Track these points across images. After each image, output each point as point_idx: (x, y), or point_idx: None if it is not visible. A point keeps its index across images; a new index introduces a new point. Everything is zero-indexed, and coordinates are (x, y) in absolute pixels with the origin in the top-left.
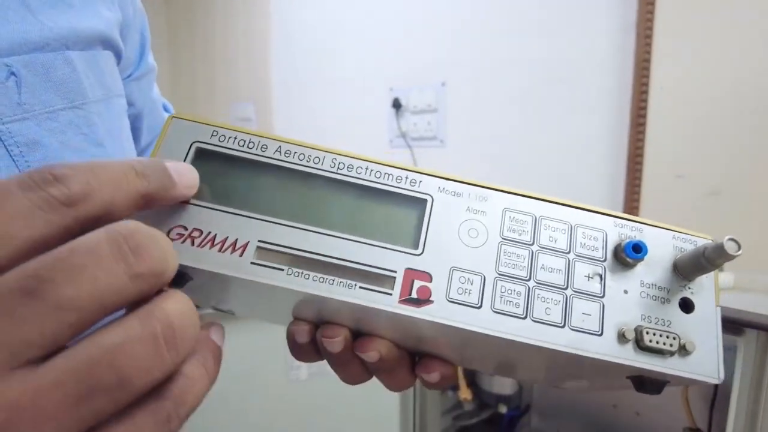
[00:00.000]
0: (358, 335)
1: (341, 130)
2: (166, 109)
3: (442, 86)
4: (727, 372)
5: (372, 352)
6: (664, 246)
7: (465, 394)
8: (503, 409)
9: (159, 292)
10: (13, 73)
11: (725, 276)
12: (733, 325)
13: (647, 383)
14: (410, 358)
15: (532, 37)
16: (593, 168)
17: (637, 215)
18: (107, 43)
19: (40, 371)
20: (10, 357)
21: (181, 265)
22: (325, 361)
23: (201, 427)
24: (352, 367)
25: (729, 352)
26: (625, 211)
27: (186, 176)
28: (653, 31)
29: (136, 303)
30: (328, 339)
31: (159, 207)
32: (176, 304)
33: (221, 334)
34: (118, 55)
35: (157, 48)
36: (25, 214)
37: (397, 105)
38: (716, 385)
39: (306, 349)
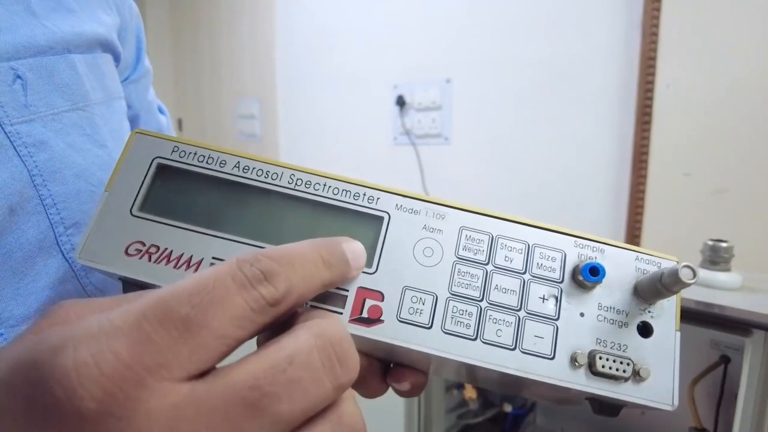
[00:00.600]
0: None
1: (345, 127)
2: (160, 111)
3: (447, 83)
4: (734, 372)
5: None
6: (625, 268)
7: (470, 392)
8: (508, 407)
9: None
10: (19, 77)
11: (733, 276)
12: (740, 325)
13: (604, 406)
14: (381, 367)
15: (537, 34)
16: (598, 166)
17: (642, 214)
18: (107, 46)
19: (199, 384)
20: None
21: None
22: None
23: None
24: None
25: (736, 353)
26: (630, 209)
27: (360, 260)
28: (659, 29)
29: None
30: None
31: None
32: (353, 406)
33: None
34: (117, 58)
35: (162, 44)
36: (240, 316)
37: (401, 102)
38: (723, 385)
39: None
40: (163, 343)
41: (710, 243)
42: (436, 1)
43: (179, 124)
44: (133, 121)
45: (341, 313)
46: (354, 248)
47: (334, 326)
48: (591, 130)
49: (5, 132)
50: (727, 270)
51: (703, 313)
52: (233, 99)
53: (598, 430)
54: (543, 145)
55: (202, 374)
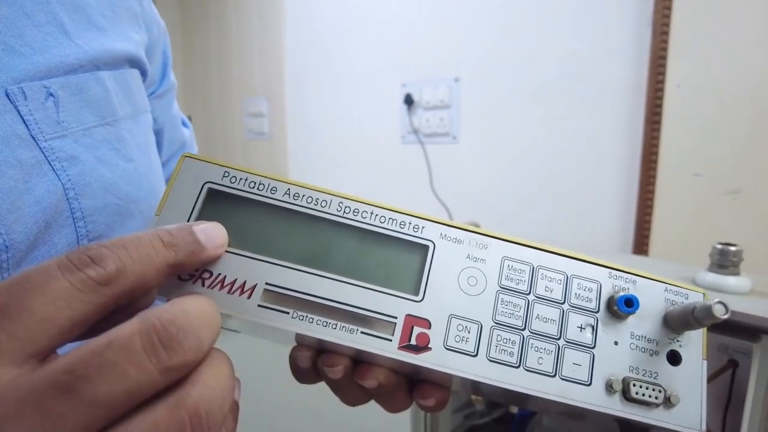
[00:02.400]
0: (357, 362)
1: (353, 126)
2: (184, 124)
3: (456, 82)
4: (742, 376)
5: (371, 380)
6: (655, 298)
7: None
8: (514, 409)
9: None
10: (51, 94)
11: (741, 281)
12: (748, 330)
13: (633, 428)
14: (407, 383)
15: (546, 33)
16: (607, 166)
17: (651, 214)
18: (134, 63)
19: None
20: None
21: None
22: None
23: None
24: (351, 392)
25: (744, 357)
26: (639, 209)
27: (214, 236)
28: (670, 27)
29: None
30: (329, 367)
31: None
32: (205, 389)
33: (239, 389)
34: (144, 74)
35: (171, 43)
36: (66, 296)
37: (409, 101)
38: (731, 389)
39: (308, 373)
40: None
41: (719, 246)
42: (445, 1)
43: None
44: (158, 134)
45: (390, 341)
46: (206, 228)
47: (168, 311)
48: (600, 130)
49: (40, 147)
50: (736, 274)
51: None
52: (242, 97)
53: (605, 431)
54: (551, 145)
55: (42, 359)
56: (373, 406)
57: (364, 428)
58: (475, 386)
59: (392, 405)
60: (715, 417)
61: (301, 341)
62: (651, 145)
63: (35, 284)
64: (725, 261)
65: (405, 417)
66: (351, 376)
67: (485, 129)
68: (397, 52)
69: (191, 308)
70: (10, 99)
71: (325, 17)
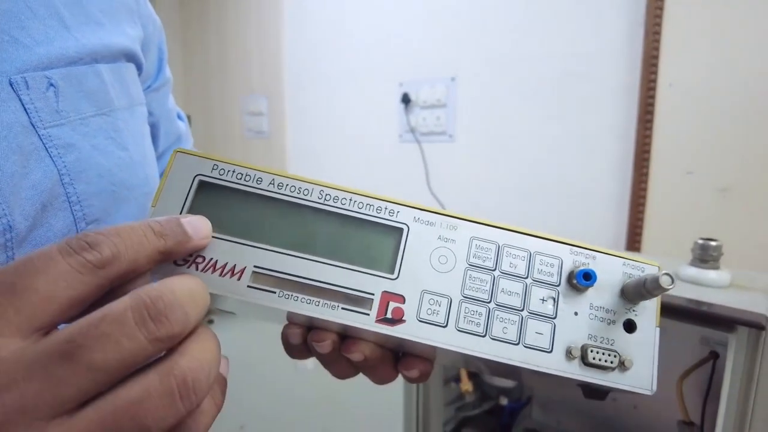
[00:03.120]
0: (344, 337)
1: (351, 124)
2: (179, 117)
3: (452, 81)
4: (723, 367)
5: (357, 353)
6: (613, 272)
7: (466, 386)
8: (504, 401)
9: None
10: (52, 84)
11: (721, 275)
12: (724, 321)
13: (593, 391)
14: (392, 356)
15: (541, 34)
16: (600, 163)
17: (644, 212)
18: (130, 57)
19: (73, 421)
20: (49, 409)
21: None
22: None
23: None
24: (339, 365)
25: (724, 349)
26: (632, 207)
27: (200, 229)
28: (662, 28)
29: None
30: (318, 342)
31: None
32: (192, 360)
33: (227, 366)
34: (140, 68)
35: (171, 42)
36: (66, 277)
37: (406, 100)
38: (710, 380)
39: (299, 348)
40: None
41: (700, 242)
42: (442, 1)
43: (188, 120)
44: (154, 127)
45: (368, 315)
46: (192, 220)
47: (156, 289)
48: (594, 128)
49: (39, 135)
50: (716, 268)
51: (691, 310)
52: (241, 96)
53: (593, 423)
54: (546, 143)
55: (45, 333)
56: (368, 399)
57: (358, 419)
58: (458, 359)
59: (378, 377)
60: (695, 407)
61: (292, 319)
62: (644, 144)
63: (39, 266)
64: (706, 255)
65: (398, 410)
66: (338, 351)
67: (480, 128)
68: (395, 51)
69: (177, 287)
70: (13, 88)
71: (323, 17)
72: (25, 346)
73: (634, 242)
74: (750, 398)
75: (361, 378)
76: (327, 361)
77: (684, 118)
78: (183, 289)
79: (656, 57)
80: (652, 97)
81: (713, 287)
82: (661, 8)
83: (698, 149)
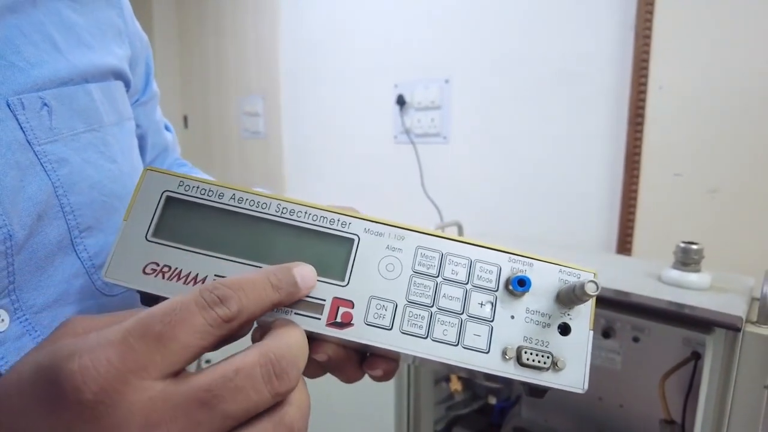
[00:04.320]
0: (311, 339)
1: (347, 125)
2: (167, 128)
3: (446, 83)
4: (700, 366)
5: (321, 354)
6: (550, 279)
7: (455, 385)
8: (493, 400)
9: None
10: (45, 104)
11: (702, 277)
12: (703, 323)
13: (532, 389)
14: (357, 356)
15: (533, 37)
16: (592, 165)
17: (634, 213)
18: (118, 75)
19: (169, 383)
20: None
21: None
22: None
23: None
24: (307, 366)
25: (703, 348)
26: (623, 208)
27: (309, 281)
28: (652, 31)
29: None
30: None
31: None
32: (297, 410)
33: None
34: (127, 84)
35: (168, 42)
36: (201, 331)
37: (401, 101)
38: (691, 380)
39: None
40: (141, 352)
41: (682, 245)
42: (436, 4)
43: (185, 120)
44: (142, 138)
45: (319, 319)
46: (303, 272)
47: (280, 347)
48: (586, 130)
49: (34, 151)
50: (698, 271)
51: (671, 312)
52: (238, 96)
53: (579, 421)
54: (538, 145)
55: (175, 375)
56: (360, 398)
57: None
58: (423, 361)
59: (345, 376)
60: (677, 405)
61: (261, 324)
62: (634, 146)
63: (181, 318)
64: (687, 259)
65: (389, 409)
66: None
67: (474, 129)
68: (390, 53)
69: (294, 343)
70: (10, 108)
71: (319, 19)
72: (166, 388)
73: (625, 243)
74: (728, 397)
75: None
76: None
77: (673, 120)
78: (297, 345)
79: (646, 60)
80: (643, 99)
81: (694, 289)
82: (651, 12)
83: (687, 151)
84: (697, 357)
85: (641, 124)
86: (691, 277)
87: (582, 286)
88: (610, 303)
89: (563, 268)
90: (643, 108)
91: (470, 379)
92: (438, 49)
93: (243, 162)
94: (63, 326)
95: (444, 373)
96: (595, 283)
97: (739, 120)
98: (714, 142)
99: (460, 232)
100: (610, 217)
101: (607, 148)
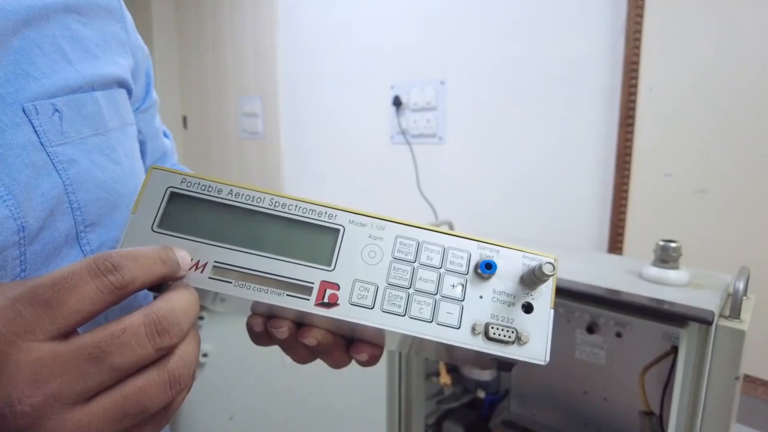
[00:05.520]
0: (300, 325)
1: (344, 126)
2: (165, 135)
3: (442, 85)
4: (677, 360)
5: (310, 338)
6: (514, 263)
7: (445, 379)
8: (482, 394)
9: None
10: (57, 110)
11: (680, 274)
12: (678, 318)
13: (501, 363)
14: (344, 342)
15: (527, 40)
16: (584, 165)
17: (625, 212)
18: (122, 84)
19: (92, 405)
20: (76, 397)
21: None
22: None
23: (207, 406)
24: (297, 350)
25: (678, 340)
26: (614, 208)
27: (187, 264)
28: (642, 35)
29: None
30: (276, 329)
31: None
32: (180, 360)
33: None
34: (130, 92)
35: (167, 43)
36: (91, 296)
37: (397, 102)
38: (671, 372)
39: (261, 335)
40: (29, 316)
41: (661, 243)
42: (432, 7)
43: (184, 121)
44: (142, 144)
45: (308, 300)
46: (183, 255)
47: (163, 308)
48: (578, 131)
49: (47, 152)
50: (676, 268)
51: (648, 307)
52: (236, 97)
53: (566, 415)
54: (532, 146)
55: (66, 336)
56: (353, 392)
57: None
58: (404, 343)
59: (333, 361)
60: (656, 397)
61: (255, 310)
62: (625, 147)
63: (72, 284)
64: (666, 256)
65: (381, 403)
66: (295, 337)
67: (469, 130)
68: (386, 54)
69: (178, 304)
70: (26, 114)
71: (317, 20)
72: (56, 347)
73: (616, 242)
74: (701, 388)
75: (346, 372)
76: (286, 347)
77: (663, 122)
78: (182, 306)
79: (637, 63)
80: (633, 101)
81: (673, 286)
82: (641, 17)
83: (676, 152)
84: (675, 351)
85: (632, 125)
86: (670, 274)
87: (540, 267)
88: (592, 299)
89: (526, 254)
90: (633, 110)
91: (453, 364)
92: (433, 52)
93: (241, 162)
94: None
95: (432, 362)
96: (552, 264)
97: (727, 122)
98: (702, 144)
99: (451, 230)
100: (601, 217)
101: (599, 149)
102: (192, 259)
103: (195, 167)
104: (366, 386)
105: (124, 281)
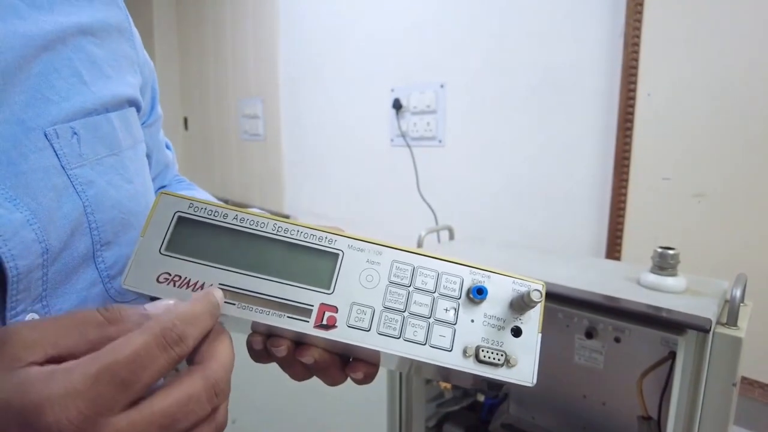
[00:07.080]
0: (298, 344)
1: (345, 128)
2: (168, 147)
3: (441, 88)
4: (674, 365)
5: (308, 357)
6: (504, 289)
7: (444, 383)
8: (482, 397)
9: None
10: (75, 133)
11: (678, 281)
12: (676, 325)
13: (491, 384)
14: (340, 360)
15: (526, 43)
16: (583, 169)
17: (623, 216)
18: (132, 102)
19: (133, 413)
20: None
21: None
22: None
23: None
24: (295, 368)
25: (677, 348)
26: (612, 212)
27: (221, 304)
28: (640, 39)
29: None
30: (275, 347)
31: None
32: (223, 414)
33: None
34: (139, 109)
35: (168, 46)
36: (162, 370)
37: (397, 105)
38: (668, 378)
39: (261, 353)
40: (108, 395)
41: (659, 250)
42: (432, 11)
43: (185, 122)
44: (147, 157)
45: (308, 322)
46: (219, 296)
47: (218, 371)
48: (577, 135)
49: (68, 175)
50: (674, 275)
51: (647, 314)
52: (237, 99)
53: (565, 419)
54: (531, 149)
55: (135, 402)
56: (354, 396)
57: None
58: (399, 363)
59: (329, 379)
60: (654, 402)
61: (255, 329)
62: (623, 151)
63: (145, 362)
64: (664, 263)
65: (382, 406)
66: (293, 355)
67: (469, 133)
68: (387, 58)
69: (228, 364)
70: (47, 138)
71: (317, 24)
72: (129, 417)
73: (614, 245)
74: (699, 394)
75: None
76: (284, 365)
77: (661, 126)
78: (230, 362)
79: (635, 67)
80: (632, 105)
81: (671, 293)
82: (639, 21)
83: (674, 156)
84: (673, 356)
85: (630, 129)
86: (668, 281)
87: (529, 294)
88: (592, 306)
89: (516, 280)
90: (632, 114)
91: (446, 383)
92: (433, 55)
93: (242, 164)
94: (11, 337)
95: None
96: (539, 291)
97: (726, 126)
98: (701, 148)
99: (451, 235)
100: (599, 221)
101: (597, 153)
102: (197, 282)
103: (196, 169)
104: (367, 390)
105: (188, 350)
